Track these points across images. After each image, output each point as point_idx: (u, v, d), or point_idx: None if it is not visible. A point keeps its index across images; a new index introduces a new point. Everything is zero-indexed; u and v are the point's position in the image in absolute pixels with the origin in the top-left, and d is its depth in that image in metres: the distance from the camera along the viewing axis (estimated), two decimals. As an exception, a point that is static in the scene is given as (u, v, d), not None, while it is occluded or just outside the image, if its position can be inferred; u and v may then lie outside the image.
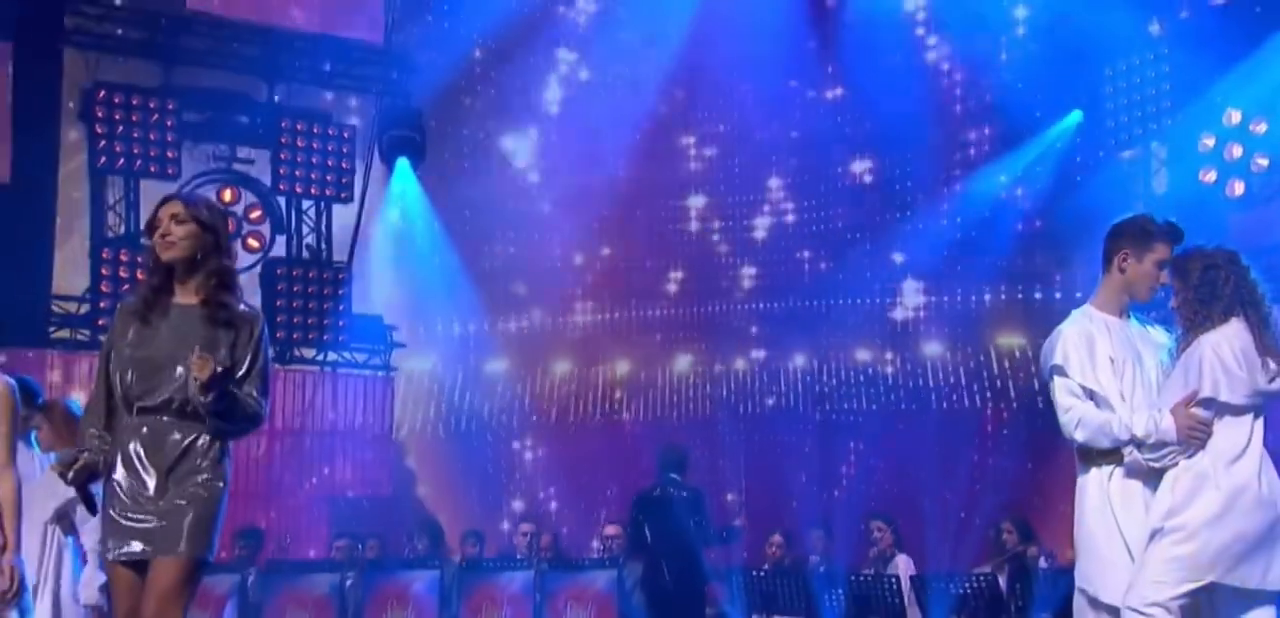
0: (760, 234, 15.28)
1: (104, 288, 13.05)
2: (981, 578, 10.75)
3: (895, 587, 10.66)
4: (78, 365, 12.93)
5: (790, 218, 15.19)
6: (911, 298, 14.65)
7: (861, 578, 10.91)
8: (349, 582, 11.62)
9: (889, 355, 14.70)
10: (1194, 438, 4.84)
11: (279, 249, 14.17)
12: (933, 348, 14.55)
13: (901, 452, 14.06)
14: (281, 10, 13.65)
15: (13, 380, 5.33)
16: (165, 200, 4.98)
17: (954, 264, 14.39)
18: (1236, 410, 4.87)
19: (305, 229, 14.36)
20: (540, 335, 15.51)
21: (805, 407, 14.88)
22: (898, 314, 14.72)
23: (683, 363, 15.30)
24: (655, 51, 15.29)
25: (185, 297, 4.85)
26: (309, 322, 13.99)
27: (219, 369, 4.65)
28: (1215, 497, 4.79)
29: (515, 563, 11.86)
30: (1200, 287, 4.98)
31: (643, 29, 15.31)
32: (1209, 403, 4.84)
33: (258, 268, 13.98)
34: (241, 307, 4.91)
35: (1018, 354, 14.25)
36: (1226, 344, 4.87)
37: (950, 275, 14.45)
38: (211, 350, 4.74)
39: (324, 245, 14.44)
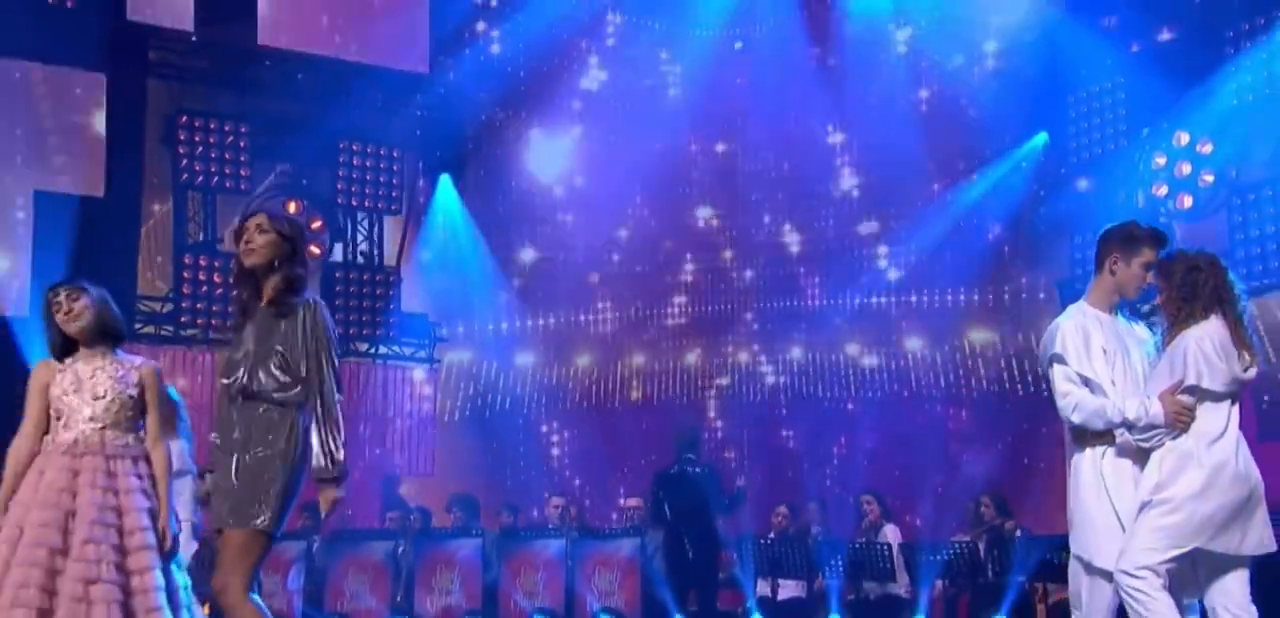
0: (761, 241, 15.22)
1: (185, 289, 13.17)
2: (963, 545, 10.74)
3: (887, 553, 10.66)
4: (162, 357, 12.90)
5: (788, 227, 15.14)
6: (894, 297, 14.58)
7: (857, 545, 10.90)
8: (401, 549, 11.65)
9: (874, 349, 14.63)
10: (1179, 421, 4.85)
11: (337, 255, 14.22)
12: (913, 343, 14.50)
13: (885, 434, 14.05)
14: (340, 45, 13.63)
15: (158, 366, 5.37)
16: (251, 212, 4.99)
17: (932, 268, 14.34)
18: (1216, 397, 4.87)
19: (360, 238, 14.43)
20: (565, 331, 15.48)
21: (801, 394, 14.81)
22: (882, 312, 14.65)
23: (692, 356, 15.27)
24: (669, 81, 15.33)
25: (265, 298, 4.87)
26: (363, 319, 14.10)
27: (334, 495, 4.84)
28: (1198, 473, 4.79)
29: (548, 532, 11.87)
30: (1183, 286, 4.97)
31: (658, 60, 15.35)
32: (1192, 390, 4.85)
33: (318, 273, 13.98)
34: (300, 299, 4.88)
35: (987, 348, 14.23)
36: (1208, 338, 4.87)
37: (928, 278, 14.40)
38: (271, 342, 4.79)
39: (376, 252, 14.51)
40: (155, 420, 5.28)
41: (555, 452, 15.34)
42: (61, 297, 5.27)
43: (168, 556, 5.14)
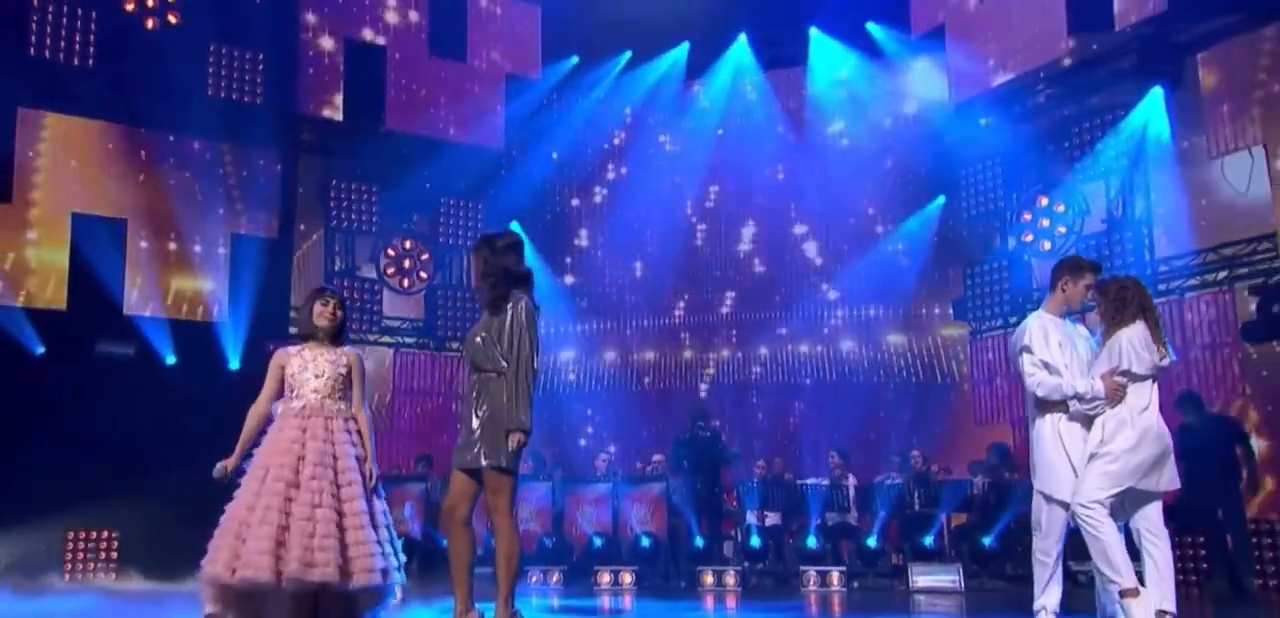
0: (737, 272, 15.19)
1: (334, 304, 12.97)
2: (896, 487, 10.75)
3: (845, 492, 10.66)
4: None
5: (757, 261, 15.12)
6: (836, 312, 14.57)
7: (822, 486, 10.88)
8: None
9: (820, 348, 14.61)
10: (1116, 396, 4.89)
11: (438, 279, 14.02)
12: (848, 344, 14.49)
13: (828, 409, 13.97)
14: (441, 130, 13.57)
15: (361, 352, 5.29)
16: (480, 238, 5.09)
17: (863, 292, 14.33)
18: (1141, 379, 4.92)
19: (454, 268, 14.25)
20: (597, 335, 15.40)
21: (768, 381, 14.79)
22: (826, 323, 14.62)
23: (688, 353, 15.22)
24: (671, 156, 15.32)
25: (483, 300, 4.88)
26: (456, 325, 13.92)
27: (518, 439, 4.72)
28: (1131, 433, 4.84)
29: (598, 478, 11.81)
30: (1116, 300, 5.02)
31: (662, 142, 15.33)
32: (1125, 374, 4.86)
33: (424, 291, 13.87)
34: (511, 300, 4.83)
35: (900, 348, 14.25)
36: (1135, 336, 4.92)
37: (858, 298, 14.40)
38: (492, 329, 4.79)
39: (465, 278, 14.34)
40: (359, 391, 5.12)
41: (590, 420, 15.22)
42: (330, 302, 5.17)
43: (372, 490, 5.00)
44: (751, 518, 10.87)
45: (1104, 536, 4.70)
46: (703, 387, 14.96)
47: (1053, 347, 5.05)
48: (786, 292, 14.85)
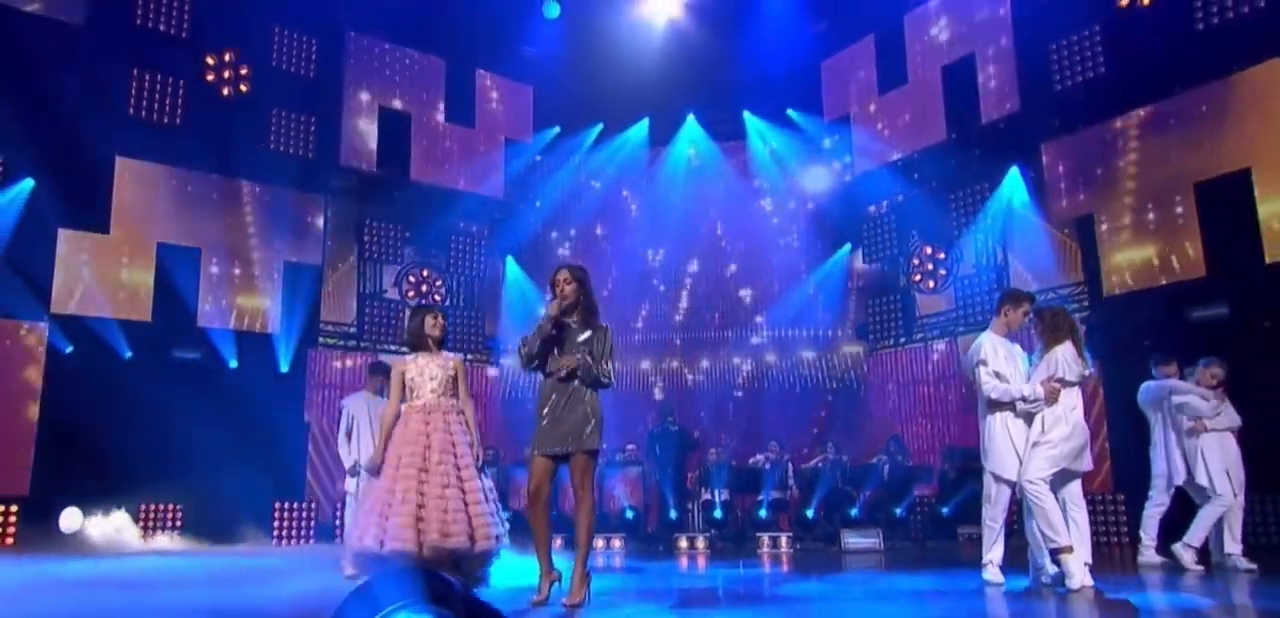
0: (684, 299, 15.19)
1: (366, 321, 12.65)
2: (815, 470, 10.82)
3: (783, 473, 10.70)
4: (347, 361, 12.34)
5: (700, 291, 15.14)
6: (762, 334, 14.68)
7: (769, 469, 10.91)
8: (495, 470, 11.21)
9: (750, 361, 14.69)
10: (1052, 399, 5.01)
11: (448, 302, 13.69)
12: (770, 358, 14.60)
13: (757, 409, 14.07)
14: (452, 179, 13.34)
15: (465, 358, 5.14)
16: (561, 268, 4.86)
17: (783, 317, 14.45)
18: (1071, 385, 5.04)
19: (461, 293, 13.96)
20: (571, 348, 15.17)
21: (708, 386, 14.78)
22: (754, 342, 14.72)
23: (645, 363, 15.14)
24: (632, 209, 15.28)
25: (573, 319, 4.70)
26: (462, 339, 13.62)
27: (578, 367, 4.59)
28: (1065, 426, 5.00)
29: (585, 462, 11.58)
30: (1051, 324, 5.16)
31: (626, 199, 15.28)
32: (1059, 380, 4.99)
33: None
34: (599, 322, 4.75)
35: (813, 361, 14.39)
36: (1067, 352, 5.08)
37: (780, 322, 14.52)
38: (583, 346, 4.66)
39: (471, 302, 14.05)
40: (464, 389, 5.04)
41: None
42: (440, 316, 5.04)
43: (480, 469, 4.89)
44: (708, 495, 10.85)
45: (1046, 505, 4.84)
46: (657, 391, 14.91)
47: (1001, 360, 5.20)
48: (723, 316, 14.92)
